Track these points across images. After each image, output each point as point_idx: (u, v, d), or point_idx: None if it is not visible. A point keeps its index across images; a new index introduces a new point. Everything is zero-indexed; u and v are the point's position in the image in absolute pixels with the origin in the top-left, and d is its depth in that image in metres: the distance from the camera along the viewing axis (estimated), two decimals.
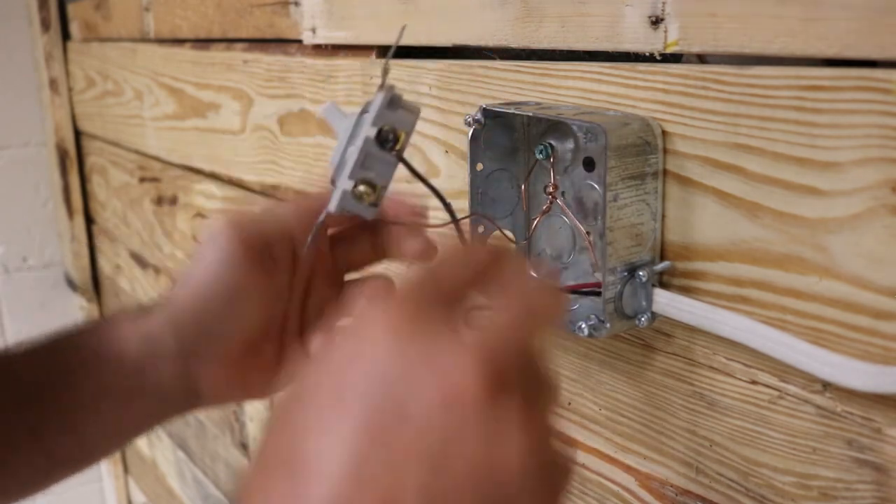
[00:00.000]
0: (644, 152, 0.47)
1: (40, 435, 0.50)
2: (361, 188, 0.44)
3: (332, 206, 0.45)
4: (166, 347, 0.49)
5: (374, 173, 0.45)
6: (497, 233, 0.55)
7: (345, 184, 0.44)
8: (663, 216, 0.48)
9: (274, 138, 0.91)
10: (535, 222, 0.55)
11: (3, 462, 0.50)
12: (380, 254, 0.50)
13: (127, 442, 0.54)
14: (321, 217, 0.47)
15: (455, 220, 0.46)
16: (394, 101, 0.44)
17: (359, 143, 0.44)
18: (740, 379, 0.47)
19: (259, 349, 0.50)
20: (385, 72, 0.45)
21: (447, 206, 0.46)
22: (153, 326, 0.49)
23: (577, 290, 0.51)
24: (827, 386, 0.43)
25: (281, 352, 0.51)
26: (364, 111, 0.45)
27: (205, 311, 0.48)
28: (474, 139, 0.53)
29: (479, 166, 0.54)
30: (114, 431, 0.52)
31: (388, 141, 0.44)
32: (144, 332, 0.49)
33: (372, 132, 0.44)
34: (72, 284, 1.75)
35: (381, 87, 0.44)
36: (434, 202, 0.47)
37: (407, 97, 0.46)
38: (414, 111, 0.45)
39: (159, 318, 0.49)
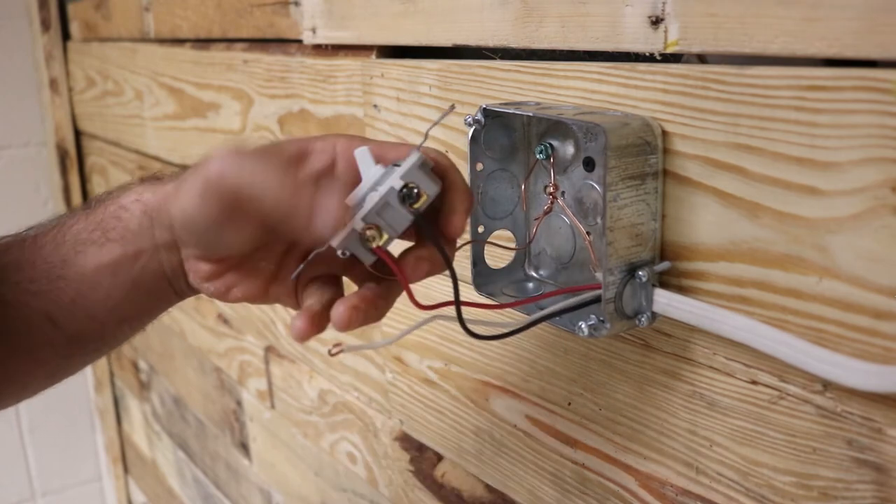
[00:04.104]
0: (644, 152, 0.47)
1: (56, 318, 0.50)
2: (370, 232, 0.46)
3: (336, 241, 0.46)
4: (162, 228, 0.49)
5: (386, 223, 0.47)
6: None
7: (356, 224, 0.46)
8: (663, 216, 0.48)
9: (274, 138, 0.91)
10: (538, 223, 0.55)
11: (27, 349, 0.51)
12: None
13: (141, 322, 0.55)
14: (321, 248, 0.47)
15: (457, 296, 0.48)
16: (425, 165, 0.47)
17: (382, 190, 0.46)
18: (740, 379, 0.47)
19: (261, 261, 0.50)
20: (425, 136, 0.47)
21: (453, 276, 0.48)
22: (156, 201, 0.49)
23: (576, 293, 0.51)
24: (827, 386, 0.43)
25: (278, 272, 0.51)
26: (396, 165, 0.47)
27: (210, 217, 0.46)
28: (474, 139, 0.53)
29: (479, 166, 0.54)
30: (123, 309, 0.52)
31: (410, 197, 0.46)
32: (147, 206, 0.49)
33: (398, 184, 0.46)
34: None
35: (418, 147, 0.47)
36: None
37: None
38: (436, 182, 0.47)
39: (164, 192, 0.49)
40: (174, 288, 0.52)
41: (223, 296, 0.51)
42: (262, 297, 0.51)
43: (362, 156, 0.48)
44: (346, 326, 0.46)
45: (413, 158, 0.46)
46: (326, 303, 0.48)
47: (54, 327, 0.50)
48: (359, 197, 0.47)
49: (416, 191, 0.46)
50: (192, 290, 0.52)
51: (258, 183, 0.44)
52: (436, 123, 0.50)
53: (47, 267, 0.50)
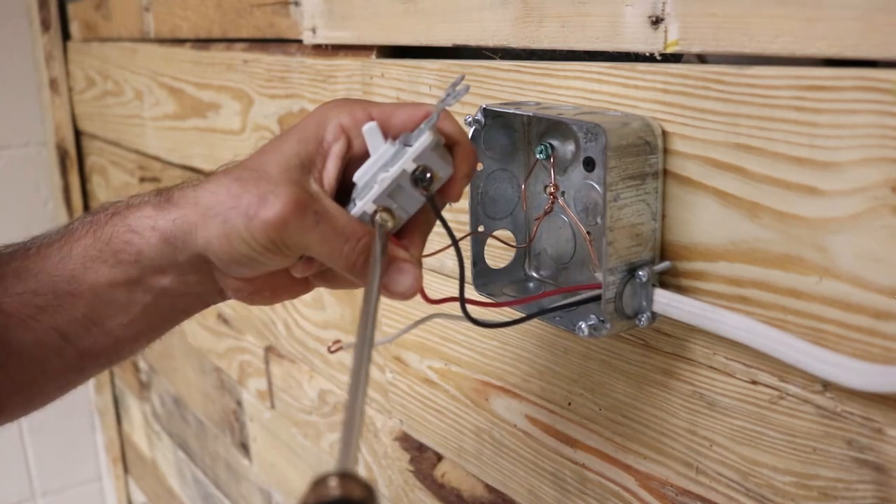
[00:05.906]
0: (644, 152, 0.47)
1: (66, 332, 0.49)
2: (383, 216, 0.45)
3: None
4: (189, 254, 0.47)
5: (398, 205, 0.46)
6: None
7: (367, 206, 0.45)
8: (663, 216, 0.48)
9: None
10: (538, 223, 0.55)
11: (38, 360, 0.49)
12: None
13: (158, 334, 0.53)
14: None
15: (462, 268, 0.47)
16: (438, 145, 0.45)
17: (394, 172, 0.45)
18: (740, 379, 0.47)
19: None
20: (439, 113, 0.45)
21: (457, 250, 0.47)
22: (177, 229, 0.46)
23: (576, 292, 0.51)
24: (827, 386, 0.43)
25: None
26: (406, 143, 0.45)
27: (252, 256, 0.45)
28: (474, 139, 0.53)
29: (480, 166, 0.54)
30: (141, 324, 0.51)
31: (423, 180, 0.45)
32: (165, 234, 0.47)
33: (411, 167, 0.44)
34: None
35: (432, 126, 0.45)
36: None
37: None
38: (449, 163, 0.46)
39: (185, 219, 0.46)
40: (203, 300, 0.52)
41: (251, 300, 0.51)
42: (280, 297, 0.52)
43: (371, 132, 0.46)
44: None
45: (427, 140, 0.44)
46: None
47: (65, 341, 0.49)
48: (368, 175, 0.46)
49: (428, 174, 0.45)
50: (223, 298, 0.52)
51: (316, 250, 0.45)
52: (446, 100, 0.45)
53: (52, 281, 0.48)
